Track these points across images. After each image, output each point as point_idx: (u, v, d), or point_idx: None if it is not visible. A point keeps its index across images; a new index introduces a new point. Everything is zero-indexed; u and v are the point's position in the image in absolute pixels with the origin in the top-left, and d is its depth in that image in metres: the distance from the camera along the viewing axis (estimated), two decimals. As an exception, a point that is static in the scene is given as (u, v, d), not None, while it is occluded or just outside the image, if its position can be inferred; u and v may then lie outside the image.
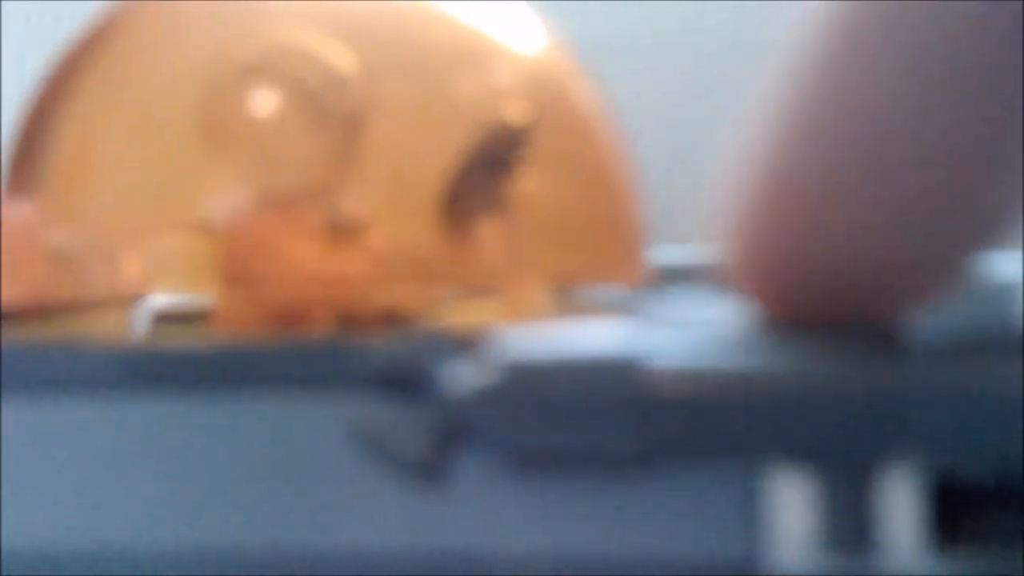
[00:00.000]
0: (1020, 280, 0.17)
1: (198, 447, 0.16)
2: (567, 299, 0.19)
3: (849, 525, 0.14)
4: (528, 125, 0.19)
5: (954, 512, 0.14)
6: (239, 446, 0.16)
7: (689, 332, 0.15)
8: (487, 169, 0.19)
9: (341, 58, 0.19)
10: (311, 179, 0.19)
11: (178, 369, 0.16)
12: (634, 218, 0.20)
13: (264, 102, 0.19)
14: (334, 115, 0.19)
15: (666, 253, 0.21)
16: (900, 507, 0.14)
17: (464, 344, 0.15)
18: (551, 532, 0.15)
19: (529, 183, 0.19)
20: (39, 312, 0.19)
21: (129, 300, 0.19)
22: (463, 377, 0.15)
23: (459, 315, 0.19)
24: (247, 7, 0.20)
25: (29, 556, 0.16)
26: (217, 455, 0.16)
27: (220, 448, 0.16)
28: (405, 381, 0.15)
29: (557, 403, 0.15)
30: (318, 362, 0.16)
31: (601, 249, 0.19)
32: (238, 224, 0.19)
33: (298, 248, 0.19)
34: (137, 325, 0.19)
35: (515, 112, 0.19)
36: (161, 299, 0.20)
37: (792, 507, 0.14)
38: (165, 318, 0.19)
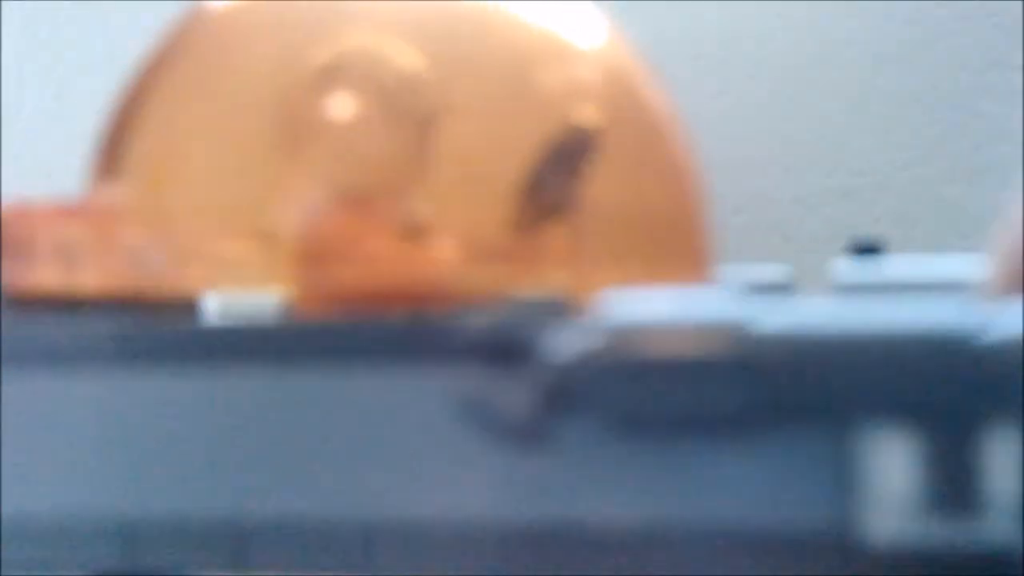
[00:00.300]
0: None
1: (306, 421, 0.16)
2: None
3: (951, 487, 0.14)
4: (599, 126, 0.19)
5: None
6: (344, 420, 0.16)
7: (791, 298, 0.15)
8: (559, 169, 0.19)
9: (413, 59, 0.20)
10: (386, 178, 0.20)
11: (280, 344, 0.16)
12: (702, 220, 0.20)
13: (340, 104, 0.20)
14: (408, 115, 0.20)
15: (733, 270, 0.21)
16: (1003, 470, 0.14)
17: (566, 310, 0.15)
18: (651, 495, 0.15)
19: (599, 183, 0.19)
20: (109, 302, 0.19)
21: (196, 300, 0.20)
22: (567, 342, 0.15)
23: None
24: (319, 10, 0.21)
25: (147, 522, 0.17)
26: (322, 429, 0.16)
27: (325, 422, 0.16)
28: (508, 348, 0.15)
29: (661, 366, 0.15)
30: (420, 334, 0.16)
31: (669, 250, 0.20)
32: (315, 222, 0.19)
33: (374, 245, 0.19)
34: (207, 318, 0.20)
35: (586, 113, 0.20)
36: (227, 301, 0.20)
37: (894, 469, 0.14)
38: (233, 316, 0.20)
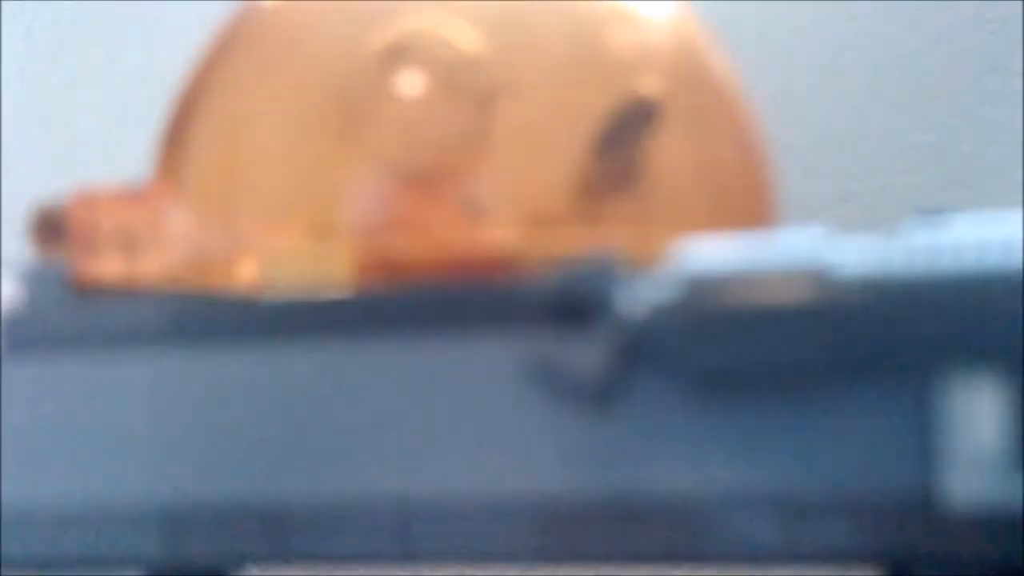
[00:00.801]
0: None
1: (376, 395, 0.16)
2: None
3: None
4: (663, 95, 0.20)
5: None
6: (414, 393, 0.16)
7: (875, 242, 0.14)
8: (623, 139, 0.19)
9: (473, 37, 0.20)
10: (449, 158, 0.20)
11: (345, 318, 0.16)
12: (769, 187, 0.20)
13: (402, 84, 0.20)
14: (470, 94, 0.20)
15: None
16: None
17: (635, 267, 0.15)
18: (729, 456, 0.14)
19: (665, 152, 0.19)
20: (170, 290, 0.20)
21: (255, 289, 0.20)
22: (641, 296, 0.15)
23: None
24: None
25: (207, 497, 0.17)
26: (393, 402, 0.16)
27: (396, 395, 0.16)
28: (577, 308, 0.15)
29: (739, 317, 0.14)
30: (486, 300, 0.15)
31: (736, 218, 0.20)
32: (378, 205, 0.19)
33: (437, 223, 0.19)
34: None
35: (650, 82, 0.20)
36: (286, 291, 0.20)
37: (980, 421, 0.14)
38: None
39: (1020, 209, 0.17)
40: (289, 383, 0.16)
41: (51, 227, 0.19)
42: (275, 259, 0.19)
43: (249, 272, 0.20)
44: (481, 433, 0.15)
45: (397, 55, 0.20)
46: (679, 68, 0.20)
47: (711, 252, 0.15)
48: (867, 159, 0.61)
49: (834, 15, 0.57)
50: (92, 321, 0.17)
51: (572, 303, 0.15)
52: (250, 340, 0.17)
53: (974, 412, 0.14)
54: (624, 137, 0.19)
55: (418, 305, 0.16)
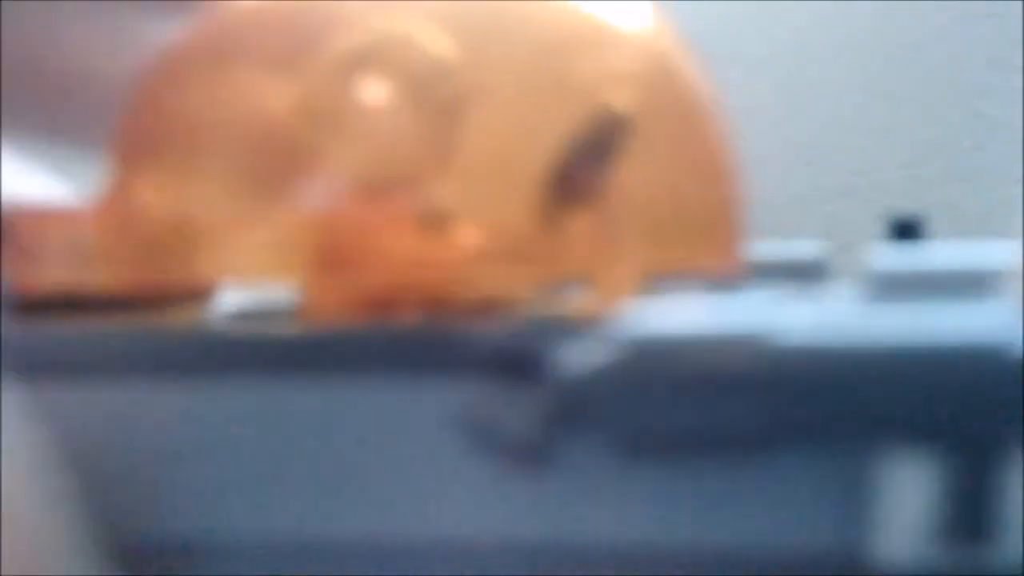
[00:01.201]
0: None
1: (304, 435, 0.16)
2: (662, 289, 0.19)
3: (966, 514, 0.14)
4: (632, 113, 0.19)
5: None
6: (345, 434, 0.16)
7: (815, 307, 0.14)
8: (589, 157, 0.19)
9: (441, 43, 0.19)
10: (409, 166, 0.19)
11: (282, 355, 0.16)
12: (737, 212, 0.20)
13: (368, 90, 0.19)
14: (435, 102, 0.19)
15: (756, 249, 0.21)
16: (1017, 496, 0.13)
17: (578, 325, 0.15)
18: (660, 518, 0.14)
19: (632, 171, 0.19)
20: (122, 297, 0.19)
21: (211, 291, 0.20)
22: (579, 356, 0.14)
23: (552, 305, 0.19)
24: None
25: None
26: (322, 443, 0.16)
27: (325, 436, 0.16)
28: (517, 363, 0.15)
29: (677, 381, 0.14)
30: (424, 347, 0.15)
31: (701, 239, 0.19)
32: (333, 212, 0.19)
33: (392, 236, 0.19)
34: (218, 318, 0.19)
35: (620, 100, 0.19)
36: (240, 293, 0.20)
37: (910, 492, 0.14)
38: (244, 313, 0.19)
39: (1014, 225, 0.16)
40: (221, 418, 0.16)
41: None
42: (234, 257, 0.19)
43: (207, 273, 0.19)
44: (411, 479, 0.15)
45: (358, 59, 0.19)
46: (651, 82, 0.19)
47: (656, 313, 0.15)
48: (867, 154, 0.61)
49: (835, 11, 0.57)
50: (34, 342, 0.17)
51: (513, 356, 0.15)
52: (192, 374, 0.17)
53: (904, 482, 0.14)
54: (591, 153, 0.19)
55: (362, 345, 0.16)
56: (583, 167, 0.19)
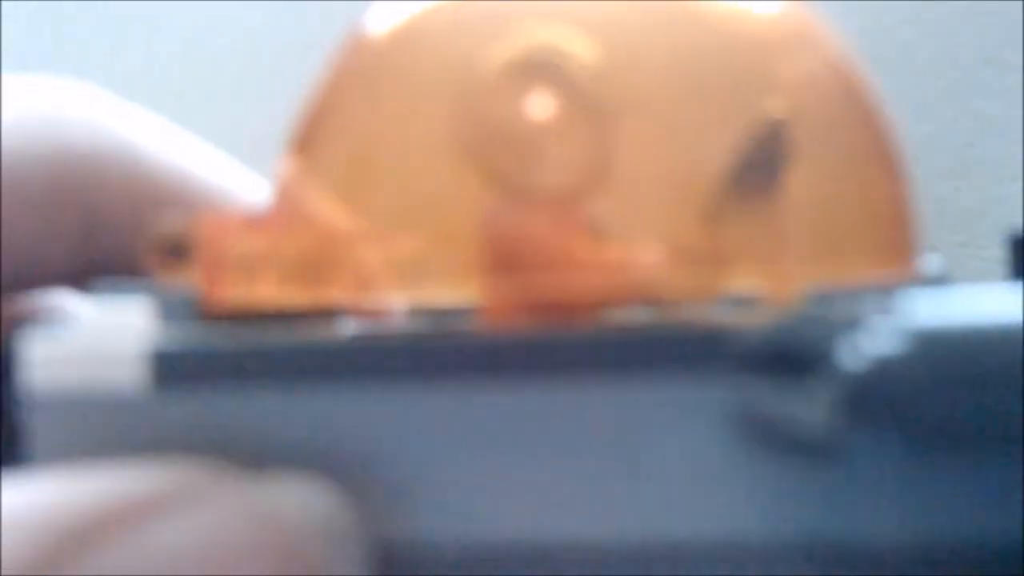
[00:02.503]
0: None
1: (571, 435, 0.16)
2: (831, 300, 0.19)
3: None
4: (797, 120, 0.19)
5: None
6: (616, 435, 0.15)
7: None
8: (755, 165, 0.19)
9: (598, 53, 0.19)
10: (574, 177, 0.19)
11: (543, 356, 0.16)
12: (909, 214, 0.20)
13: (526, 102, 0.19)
14: (594, 112, 0.19)
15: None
16: None
17: (854, 317, 0.14)
18: (949, 512, 0.14)
19: (801, 176, 0.19)
20: (295, 306, 0.19)
21: (373, 305, 0.19)
22: (862, 349, 0.14)
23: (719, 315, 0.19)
24: (495, 8, 0.20)
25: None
26: (589, 444, 0.15)
27: (592, 437, 0.15)
28: (798, 359, 0.15)
29: (967, 372, 0.14)
30: (695, 345, 0.15)
31: (874, 244, 0.19)
32: (503, 224, 0.19)
33: (563, 246, 0.19)
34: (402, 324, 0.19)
35: (783, 107, 0.19)
36: (403, 305, 0.19)
37: None
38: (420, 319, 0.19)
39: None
40: (482, 423, 0.16)
41: (175, 251, 0.18)
42: (403, 273, 0.19)
43: (375, 288, 0.19)
44: (681, 482, 0.15)
45: (516, 72, 0.19)
46: (815, 91, 0.19)
47: (936, 305, 0.14)
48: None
49: (830, 8, 0.57)
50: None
51: (791, 354, 0.15)
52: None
53: None
54: (759, 160, 0.19)
55: (615, 346, 0.15)
56: (749, 175, 0.19)
